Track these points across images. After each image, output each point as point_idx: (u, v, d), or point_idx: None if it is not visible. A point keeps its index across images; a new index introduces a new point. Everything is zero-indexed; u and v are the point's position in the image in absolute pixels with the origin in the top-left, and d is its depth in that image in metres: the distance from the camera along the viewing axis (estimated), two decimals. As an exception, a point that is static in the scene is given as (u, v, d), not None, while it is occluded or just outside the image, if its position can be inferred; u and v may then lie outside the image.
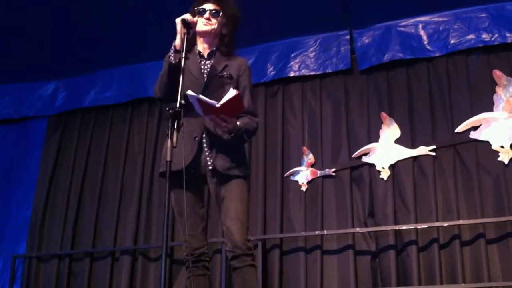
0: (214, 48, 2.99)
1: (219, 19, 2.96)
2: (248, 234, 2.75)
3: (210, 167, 2.79)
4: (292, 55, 5.32)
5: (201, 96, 2.61)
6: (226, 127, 2.71)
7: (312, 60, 5.26)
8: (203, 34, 2.96)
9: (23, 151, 6.01)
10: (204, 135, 2.82)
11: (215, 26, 2.94)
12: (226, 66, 2.95)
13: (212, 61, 2.96)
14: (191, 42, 2.94)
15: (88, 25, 5.08)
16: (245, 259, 2.68)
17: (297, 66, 5.28)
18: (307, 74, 5.24)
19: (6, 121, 6.13)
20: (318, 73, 5.21)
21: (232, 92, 2.61)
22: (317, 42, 5.29)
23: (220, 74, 2.92)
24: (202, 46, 3.00)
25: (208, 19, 2.92)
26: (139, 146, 5.63)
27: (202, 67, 2.94)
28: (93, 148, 5.80)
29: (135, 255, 5.25)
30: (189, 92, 2.61)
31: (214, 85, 2.88)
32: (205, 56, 2.97)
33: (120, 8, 4.87)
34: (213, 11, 2.94)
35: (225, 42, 3.00)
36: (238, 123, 2.76)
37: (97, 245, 5.41)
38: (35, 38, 5.25)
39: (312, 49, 5.29)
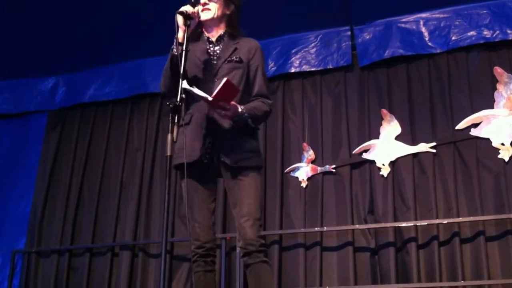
0: (222, 33, 2.90)
1: (217, 0, 2.84)
2: (260, 230, 2.69)
3: (222, 159, 2.72)
4: (293, 51, 5.30)
5: (194, 90, 2.57)
6: (226, 115, 2.64)
7: (313, 56, 5.25)
8: (206, 22, 2.87)
9: (22, 146, 6.00)
10: (210, 127, 2.74)
11: (215, 10, 2.83)
12: (235, 49, 2.86)
13: (221, 46, 2.87)
14: (197, 31, 2.89)
15: (88, 20, 5.08)
16: (258, 255, 2.62)
17: (297, 62, 5.27)
18: (307, 70, 5.23)
19: (6, 116, 6.11)
20: (318, 69, 5.20)
21: (222, 81, 2.55)
22: (318, 38, 5.28)
23: (229, 58, 2.83)
24: (209, 32, 2.91)
25: (204, 4, 2.81)
26: (139, 141, 5.63)
27: (211, 53, 2.85)
28: (93, 143, 5.79)
29: (135, 250, 5.26)
30: (184, 85, 2.55)
31: (223, 70, 2.80)
32: (214, 42, 2.89)
33: (121, 2, 4.86)
34: None
35: (231, 22, 2.91)
36: (240, 109, 2.67)
37: (96, 240, 5.41)
38: (35, 33, 5.24)
39: (313, 45, 5.28)
